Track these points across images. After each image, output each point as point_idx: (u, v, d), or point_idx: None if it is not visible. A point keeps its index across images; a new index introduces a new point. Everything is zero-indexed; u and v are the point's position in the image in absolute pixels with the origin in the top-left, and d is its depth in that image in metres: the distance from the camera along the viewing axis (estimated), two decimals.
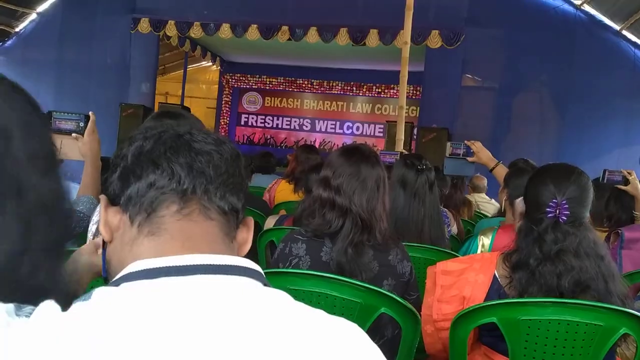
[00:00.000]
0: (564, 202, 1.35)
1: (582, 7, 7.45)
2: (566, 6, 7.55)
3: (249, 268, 0.63)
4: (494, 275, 1.39)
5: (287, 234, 1.60)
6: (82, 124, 1.86)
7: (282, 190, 3.29)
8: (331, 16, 8.03)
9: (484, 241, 1.94)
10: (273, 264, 1.58)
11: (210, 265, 0.60)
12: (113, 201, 0.68)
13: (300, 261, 1.52)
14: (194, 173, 0.64)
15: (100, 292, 0.56)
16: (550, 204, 1.36)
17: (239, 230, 0.70)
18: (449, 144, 2.67)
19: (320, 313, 0.62)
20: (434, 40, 7.63)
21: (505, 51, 7.73)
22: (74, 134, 1.85)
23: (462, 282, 1.38)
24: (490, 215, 3.96)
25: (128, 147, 0.68)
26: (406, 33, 4.47)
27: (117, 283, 0.58)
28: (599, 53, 7.33)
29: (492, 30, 7.63)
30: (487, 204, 4.41)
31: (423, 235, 2.06)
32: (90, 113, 1.90)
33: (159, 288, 0.57)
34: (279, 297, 0.61)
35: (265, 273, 0.66)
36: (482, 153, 2.57)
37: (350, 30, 7.96)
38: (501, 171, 2.46)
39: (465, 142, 2.62)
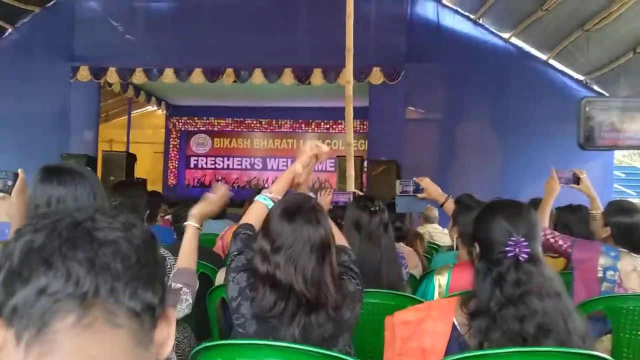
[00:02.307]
0: (522, 239, 1.31)
1: (510, 41, 7.94)
2: (496, 40, 8.03)
3: None
4: (453, 322, 1.36)
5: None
6: (9, 183, 1.74)
7: None
8: (275, 57, 8.16)
9: (440, 281, 1.93)
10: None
11: None
12: None
13: (246, 322, 1.39)
14: (97, 270, 0.54)
15: None
16: (509, 242, 1.31)
17: (157, 329, 0.59)
18: (398, 182, 2.69)
19: None
20: (376, 76, 7.90)
21: (445, 84, 8.08)
22: (0, 194, 1.75)
23: (420, 332, 1.33)
24: (443, 246, 4.01)
25: (14, 243, 0.56)
26: (348, 72, 4.59)
27: None
28: (530, 82, 7.79)
29: (431, 64, 7.99)
30: (440, 234, 4.47)
31: (381, 280, 2.02)
32: (19, 171, 1.76)
33: None
34: None
35: (213, 346, 0.57)
36: (431, 189, 2.60)
37: (294, 70, 8.10)
38: (451, 206, 2.49)
39: (414, 179, 2.64)
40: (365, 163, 8.56)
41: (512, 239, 1.32)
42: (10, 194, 1.73)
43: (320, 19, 8.08)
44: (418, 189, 2.62)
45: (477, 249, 1.45)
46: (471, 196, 2.27)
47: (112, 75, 8.41)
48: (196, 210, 1.81)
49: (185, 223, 1.74)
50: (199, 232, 1.77)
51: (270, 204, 1.70)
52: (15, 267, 0.54)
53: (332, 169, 11.50)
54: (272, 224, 1.39)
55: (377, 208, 2.11)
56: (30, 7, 8.69)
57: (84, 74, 8.42)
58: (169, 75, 8.31)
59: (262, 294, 1.35)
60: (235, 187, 11.93)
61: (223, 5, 8.48)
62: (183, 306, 1.63)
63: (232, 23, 8.37)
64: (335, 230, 1.69)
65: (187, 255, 1.73)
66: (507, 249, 1.32)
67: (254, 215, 1.68)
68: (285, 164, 12.13)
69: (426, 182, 2.60)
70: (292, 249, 1.34)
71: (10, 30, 8.91)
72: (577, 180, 2.67)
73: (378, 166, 7.80)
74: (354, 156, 5.04)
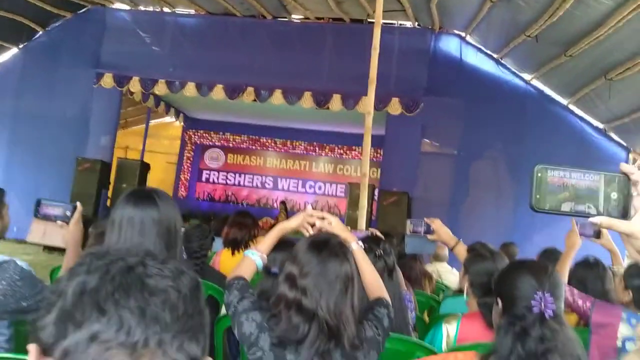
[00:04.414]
0: (548, 295, 1.29)
1: (531, 82, 7.95)
2: (517, 80, 8.04)
3: None
4: None
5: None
6: (68, 213, 1.92)
7: (226, 260, 3.18)
8: (296, 80, 8.24)
9: (449, 330, 1.89)
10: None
11: None
12: (46, 351, 0.55)
13: (263, 355, 1.42)
14: (147, 320, 0.54)
15: None
16: (535, 296, 1.29)
17: None
18: (408, 221, 2.64)
19: None
20: (395, 107, 7.92)
21: (462, 119, 8.07)
22: (59, 222, 1.91)
23: None
24: (452, 286, 3.95)
25: (67, 282, 0.56)
26: (369, 103, 4.59)
27: None
28: (548, 124, 7.75)
29: (450, 99, 8.00)
30: (449, 274, 4.40)
31: None
32: (77, 203, 1.95)
33: None
34: None
35: None
36: (442, 231, 2.55)
37: (314, 94, 8.17)
38: (462, 250, 2.45)
39: (425, 219, 2.61)
40: (377, 192, 8.53)
41: (538, 293, 1.30)
42: (68, 223, 1.90)
43: (344, 47, 8.18)
44: (429, 230, 2.58)
45: (500, 304, 1.42)
46: (485, 245, 2.22)
47: (134, 85, 8.54)
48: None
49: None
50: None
51: (259, 261, 1.75)
52: (69, 308, 0.54)
53: (342, 194, 11.49)
54: (300, 255, 1.45)
55: (382, 252, 2.06)
56: (63, 12, 8.92)
57: (107, 80, 8.57)
58: (190, 88, 8.42)
59: (287, 318, 1.39)
60: (244, 205, 11.95)
61: (250, 25, 8.64)
62: None
63: (258, 44, 8.50)
64: (378, 281, 1.72)
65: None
66: (532, 302, 1.29)
67: (244, 270, 1.71)
68: (295, 185, 12.15)
69: (437, 224, 2.55)
70: (319, 276, 1.40)
71: (40, 32, 9.14)
72: (598, 234, 2.60)
73: (389, 197, 7.77)
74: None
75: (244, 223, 3.24)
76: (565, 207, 0.71)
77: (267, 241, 1.82)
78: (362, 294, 1.77)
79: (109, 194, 8.74)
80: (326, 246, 1.46)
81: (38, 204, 1.94)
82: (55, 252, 7.03)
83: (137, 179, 8.68)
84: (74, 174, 8.10)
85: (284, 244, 1.86)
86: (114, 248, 0.63)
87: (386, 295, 1.67)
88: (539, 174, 0.72)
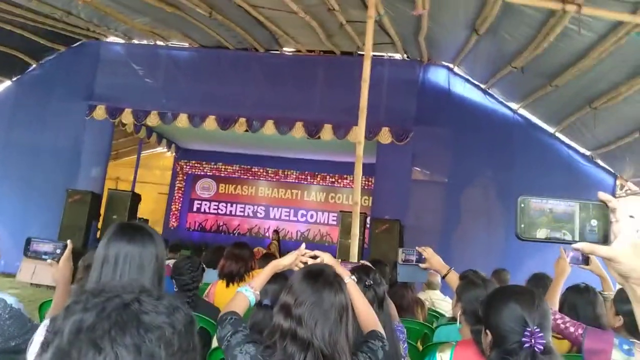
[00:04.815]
0: (537, 329, 1.31)
1: (518, 111, 8.11)
2: (505, 110, 8.21)
3: None
4: None
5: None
6: (59, 251, 1.93)
7: (220, 292, 3.15)
8: (288, 111, 8.35)
9: (443, 359, 1.88)
10: None
11: None
12: None
13: None
14: (142, 357, 0.55)
15: None
16: (525, 332, 1.31)
17: None
18: (400, 250, 2.67)
19: None
20: (385, 136, 8.04)
21: (451, 148, 8.19)
22: (48, 261, 1.92)
23: None
24: (445, 314, 3.93)
25: (64, 320, 0.57)
26: (360, 133, 4.66)
27: None
28: (536, 152, 7.89)
29: (439, 129, 8.14)
30: (442, 302, 4.39)
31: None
32: (68, 242, 1.97)
33: None
34: None
35: None
36: (434, 259, 2.57)
37: (305, 124, 8.27)
38: (454, 278, 2.46)
39: (417, 248, 2.63)
40: (368, 219, 8.55)
41: (528, 329, 1.31)
42: (58, 261, 1.91)
43: (334, 79, 8.34)
44: (421, 258, 2.60)
45: (489, 336, 1.42)
46: (476, 272, 2.24)
47: (127, 116, 8.59)
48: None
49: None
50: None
51: (252, 298, 1.77)
52: (65, 346, 0.55)
53: (335, 222, 11.48)
54: (295, 285, 1.47)
55: (372, 282, 2.06)
56: (57, 46, 9.03)
57: (100, 112, 8.62)
58: (182, 120, 8.48)
59: (282, 348, 1.40)
60: (236, 234, 11.89)
61: (242, 58, 8.79)
62: None
63: (250, 76, 8.64)
64: (372, 314, 1.74)
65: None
66: (523, 339, 1.31)
67: (237, 306, 1.72)
68: (287, 214, 12.13)
69: (429, 253, 2.57)
70: (314, 306, 1.41)
71: (34, 65, 9.21)
72: (586, 260, 2.64)
73: (381, 224, 7.78)
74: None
75: (240, 255, 3.24)
76: (541, 234, 0.74)
77: (261, 277, 1.85)
78: (355, 324, 1.78)
79: (99, 225, 8.66)
80: (321, 276, 1.48)
81: (28, 242, 1.94)
82: (42, 286, 6.91)
83: (128, 210, 8.63)
84: (64, 205, 8.04)
85: (275, 276, 1.88)
86: (109, 285, 0.65)
87: (380, 329, 1.68)
88: (522, 205, 0.75)
